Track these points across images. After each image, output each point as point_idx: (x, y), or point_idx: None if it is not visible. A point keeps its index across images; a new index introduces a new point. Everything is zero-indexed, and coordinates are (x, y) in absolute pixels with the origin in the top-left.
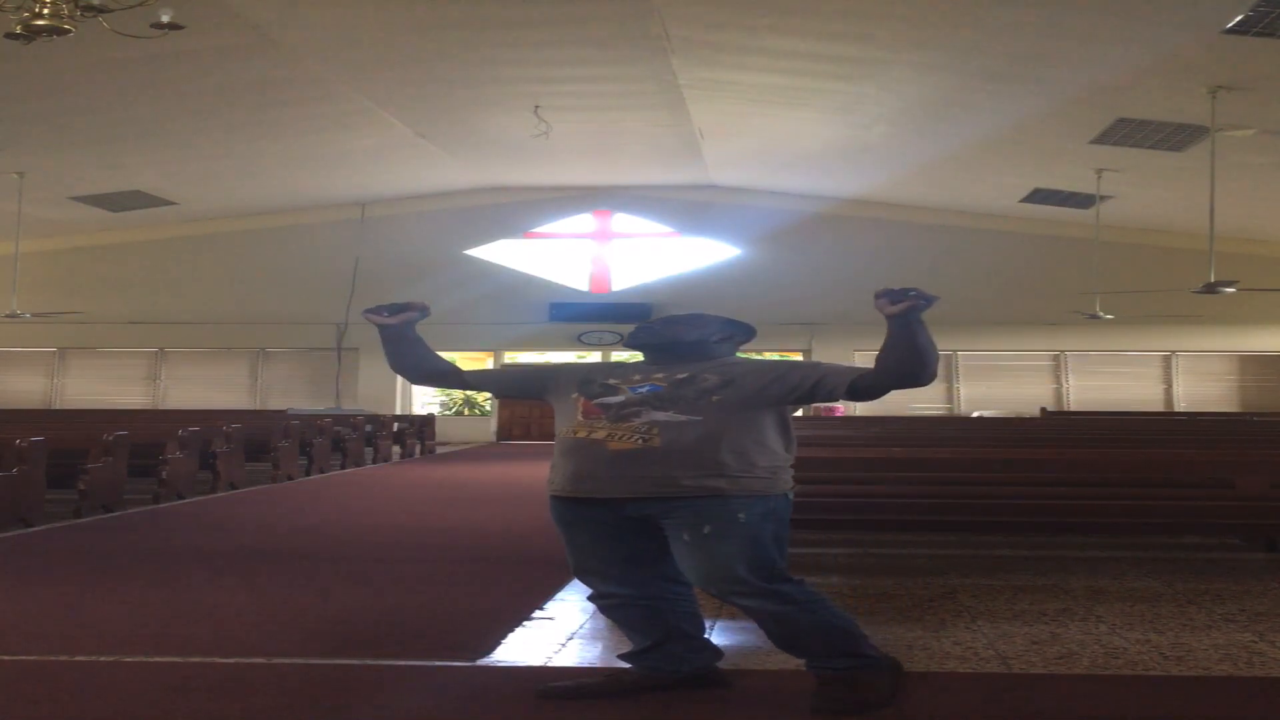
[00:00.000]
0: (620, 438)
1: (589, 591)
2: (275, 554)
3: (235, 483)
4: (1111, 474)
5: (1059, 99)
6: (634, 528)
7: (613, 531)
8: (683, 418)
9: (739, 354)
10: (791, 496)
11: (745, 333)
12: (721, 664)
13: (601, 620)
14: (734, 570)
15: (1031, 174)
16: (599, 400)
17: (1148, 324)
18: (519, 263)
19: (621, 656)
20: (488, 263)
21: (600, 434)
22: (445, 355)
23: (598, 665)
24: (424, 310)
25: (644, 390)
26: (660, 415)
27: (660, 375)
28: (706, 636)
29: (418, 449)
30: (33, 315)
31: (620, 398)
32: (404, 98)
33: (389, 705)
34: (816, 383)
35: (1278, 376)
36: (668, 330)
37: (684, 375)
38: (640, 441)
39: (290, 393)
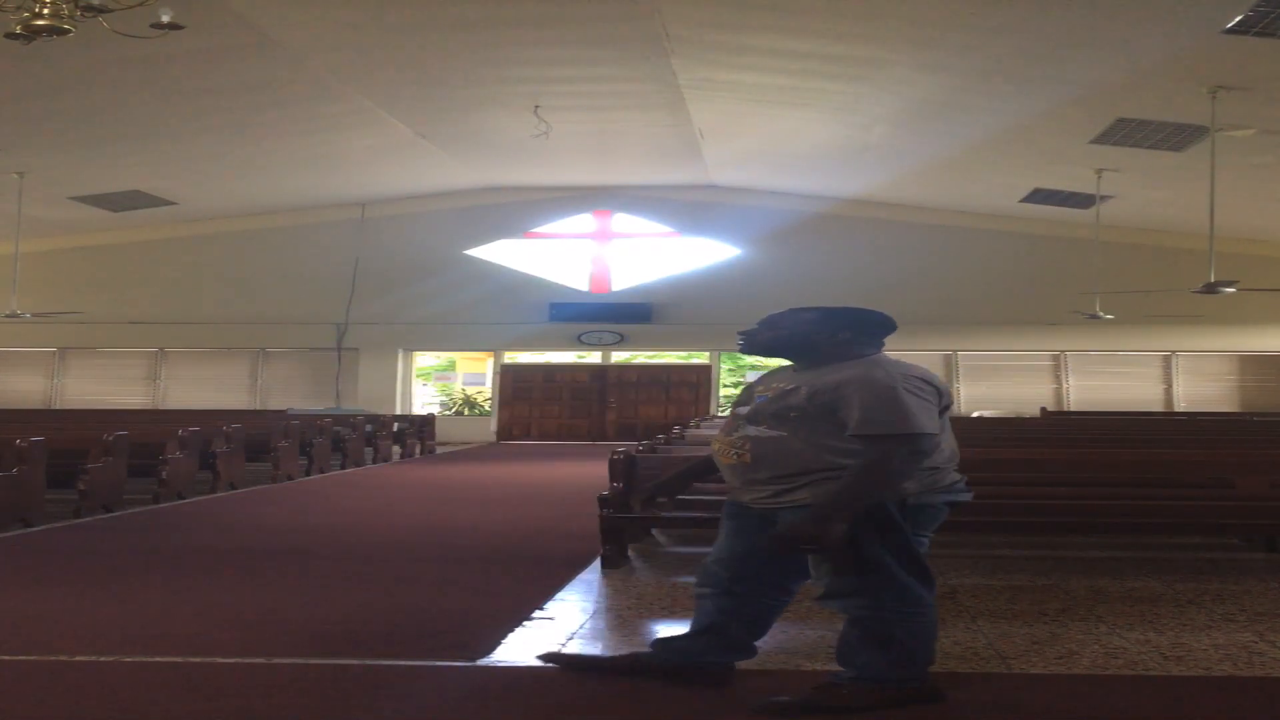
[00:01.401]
0: (723, 452)
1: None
2: (275, 554)
3: (235, 483)
4: (1111, 474)
5: (1059, 99)
6: (759, 526)
7: (744, 528)
8: (770, 433)
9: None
10: (928, 500)
11: (862, 325)
12: None
13: (601, 620)
14: (822, 575)
15: (1031, 174)
16: (733, 412)
17: (1148, 324)
18: (519, 263)
19: (654, 641)
20: (488, 263)
21: (716, 446)
22: (445, 355)
23: None
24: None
25: (760, 402)
26: (752, 430)
27: (779, 386)
28: (756, 641)
29: (418, 449)
30: (33, 315)
31: (746, 409)
32: (404, 98)
33: (389, 705)
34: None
35: (1278, 376)
36: (763, 334)
37: (790, 386)
38: (735, 456)
39: (290, 393)
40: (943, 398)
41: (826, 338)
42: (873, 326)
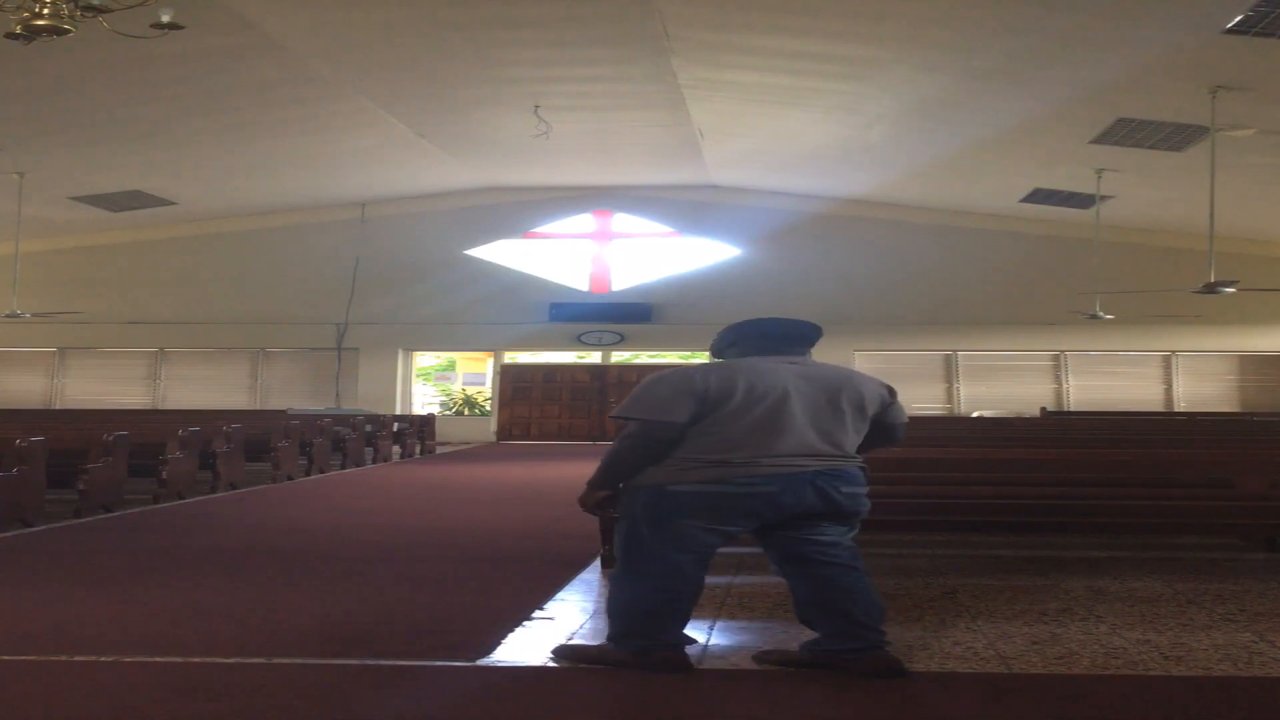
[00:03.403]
0: None
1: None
2: (275, 554)
3: (235, 483)
4: (1111, 474)
5: (1059, 99)
6: None
7: None
8: None
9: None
10: (676, 489)
11: (743, 335)
12: (720, 664)
13: (601, 620)
14: None
15: (1031, 174)
16: None
17: (1148, 324)
18: (519, 263)
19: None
20: (488, 263)
21: None
22: (446, 355)
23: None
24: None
25: None
26: None
27: None
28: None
29: (418, 449)
30: (33, 315)
31: None
32: (404, 98)
33: (389, 705)
34: None
35: (1278, 376)
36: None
37: None
38: None
39: (290, 393)
40: (701, 384)
41: (724, 347)
42: (753, 336)
